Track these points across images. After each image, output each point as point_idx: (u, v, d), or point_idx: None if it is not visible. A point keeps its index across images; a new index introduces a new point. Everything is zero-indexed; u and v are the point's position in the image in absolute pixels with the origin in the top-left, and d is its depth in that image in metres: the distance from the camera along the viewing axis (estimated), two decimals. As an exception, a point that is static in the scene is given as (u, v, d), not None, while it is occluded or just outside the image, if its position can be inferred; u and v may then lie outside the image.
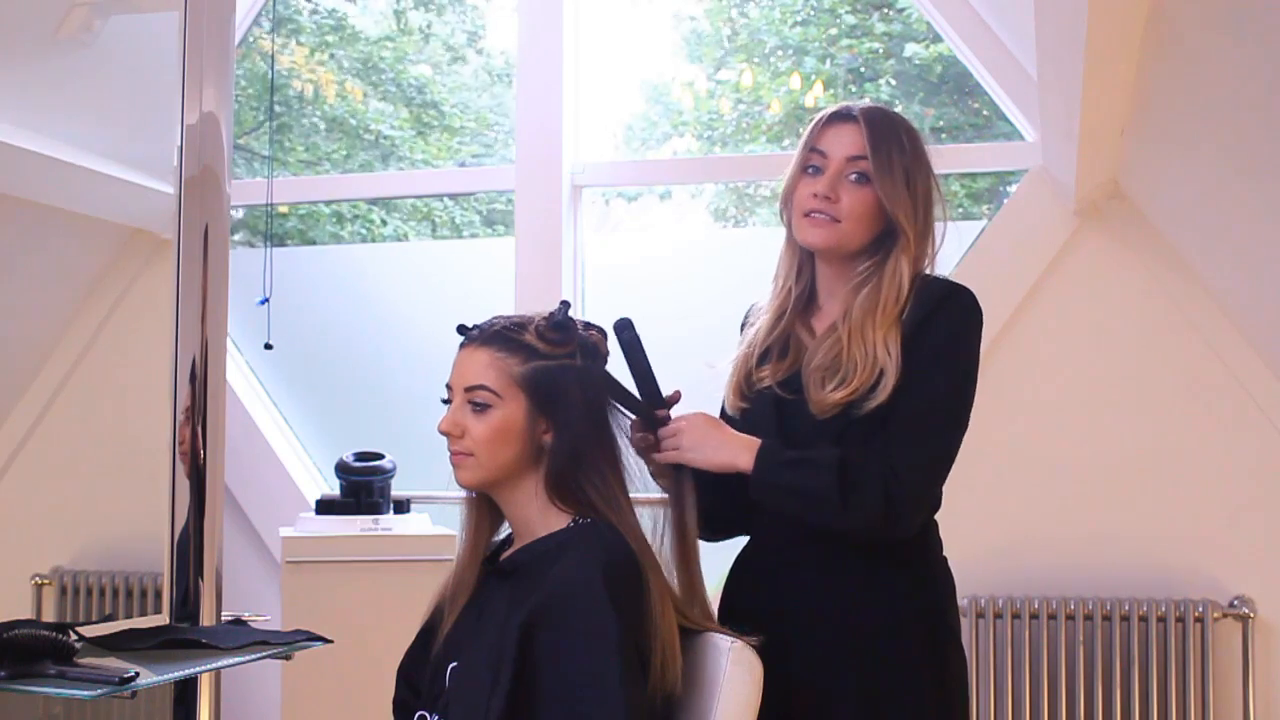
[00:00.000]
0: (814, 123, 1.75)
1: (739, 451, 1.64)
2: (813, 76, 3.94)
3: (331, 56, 4.54)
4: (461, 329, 1.58)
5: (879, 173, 1.67)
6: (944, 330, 1.65)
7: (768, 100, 4.06)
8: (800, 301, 1.78)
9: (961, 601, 1.77)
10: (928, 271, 1.73)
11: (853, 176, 1.69)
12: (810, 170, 1.72)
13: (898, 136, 1.70)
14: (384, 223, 4.52)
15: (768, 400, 1.73)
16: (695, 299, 3.54)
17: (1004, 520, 3.08)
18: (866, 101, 1.76)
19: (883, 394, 1.61)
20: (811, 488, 1.60)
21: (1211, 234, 2.93)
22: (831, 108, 1.75)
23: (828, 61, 3.95)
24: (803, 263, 1.78)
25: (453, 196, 4.42)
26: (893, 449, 1.61)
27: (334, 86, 4.52)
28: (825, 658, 1.65)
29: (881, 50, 3.89)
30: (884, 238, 1.71)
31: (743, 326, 1.86)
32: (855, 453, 1.61)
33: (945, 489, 1.68)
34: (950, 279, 1.73)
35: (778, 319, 1.77)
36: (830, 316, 1.74)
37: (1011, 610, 3.02)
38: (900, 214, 1.67)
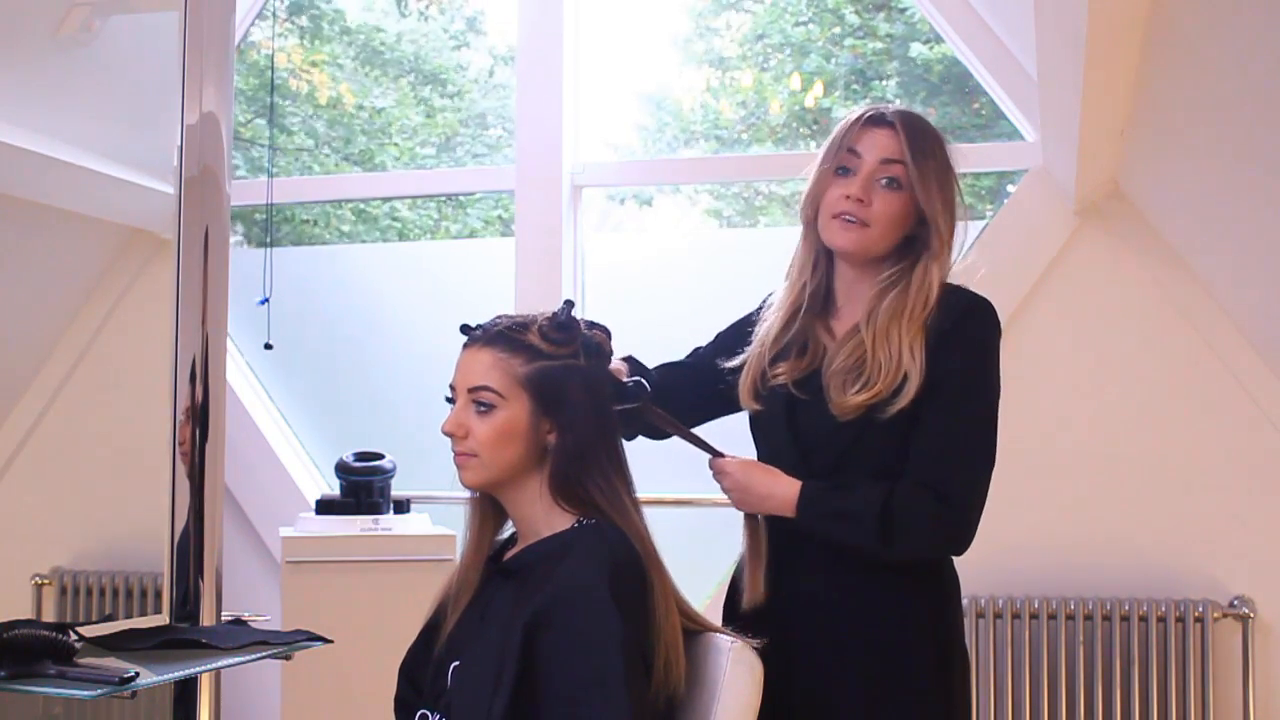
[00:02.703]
0: (847, 124, 1.72)
1: (781, 503, 1.67)
2: (814, 77, 3.94)
3: (328, 43, 4.53)
4: (465, 329, 1.58)
5: (920, 180, 1.66)
6: (973, 346, 1.66)
7: (769, 101, 4.06)
8: (816, 299, 1.77)
9: (962, 601, 1.78)
10: (948, 277, 1.72)
11: (884, 181, 1.67)
12: (841, 171, 1.70)
13: (931, 144, 1.69)
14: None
15: (780, 399, 1.72)
16: (695, 299, 3.53)
17: (1004, 520, 3.05)
18: (896, 105, 1.74)
19: (905, 399, 1.61)
20: (853, 538, 1.63)
21: (1211, 234, 2.93)
22: (865, 110, 1.72)
23: (831, 61, 3.95)
24: (819, 260, 1.77)
25: (451, 196, 4.42)
26: (943, 472, 1.62)
27: (328, 90, 4.52)
28: (829, 658, 1.66)
29: (884, 50, 3.89)
30: (908, 243, 1.70)
31: (755, 316, 1.85)
32: (900, 490, 1.61)
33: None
34: (972, 290, 1.72)
35: (793, 315, 1.76)
36: (851, 319, 1.73)
37: (1011, 610, 3.02)
38: (939, 221, 1.67)
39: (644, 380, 1.67)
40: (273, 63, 3.90)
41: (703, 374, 1.84)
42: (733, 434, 1.87)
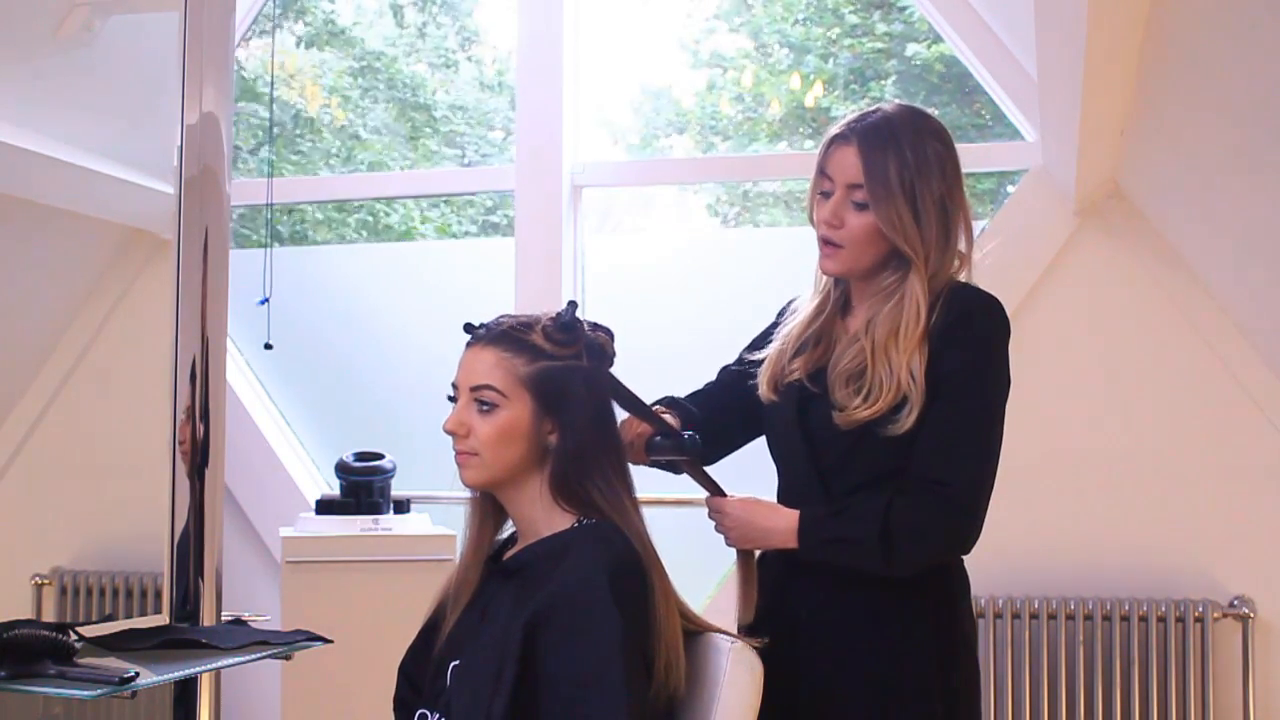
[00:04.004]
0: (822, 143, 1.73)
1: (783, 537, 1.68)
2: (812, 76, 3.94)
3: (327, 44, 4.53)
4: (469, 328, 1.58)
5: (875, 202, 1.64)
6: (974, 344, 1.65)
7: (769, 99, 4.06)
8: (839, 303, 1.78)
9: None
10: (964, 275, 1.71)
11: (854, 202, 1.67)
12: (820, 195, 1.71)
13: (898, 150, 1.64)
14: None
15: (793, 394, 1.73)
16: (696, 300, 3.53)
17: (1003, 521, 3.06)
18: (878, 111, 1.70)
19: (906, 422, 1.61)
20: (856, 563, 1.64)
21: (1211, 234, 2.94)
22: (836, 125, 1.72)
23: (830, 61, 3.95)
24: None
25: (451, 197, 4.42)
26: (944, 469, 1.61)
27: (320, 101, 4.52)
28: (833, 659, 1.66)
29: (883, 50, 3.89)
30: (900, 252, 1.69)
31: (777, 320, 1.86)
32: (899, 504, 1.61)
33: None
34: (979, 288, 1.71)
35: (817, 315, 1.78)
36: (860, 320, 1.73)
37: (1012, 610, 3.02)
38: (903, 239, 1.64)
39: (697, 435, 1.70)
40: (272, 62, 3.89)
41: (735, 394, 1.84)
42: (740, 464, 1.89)
